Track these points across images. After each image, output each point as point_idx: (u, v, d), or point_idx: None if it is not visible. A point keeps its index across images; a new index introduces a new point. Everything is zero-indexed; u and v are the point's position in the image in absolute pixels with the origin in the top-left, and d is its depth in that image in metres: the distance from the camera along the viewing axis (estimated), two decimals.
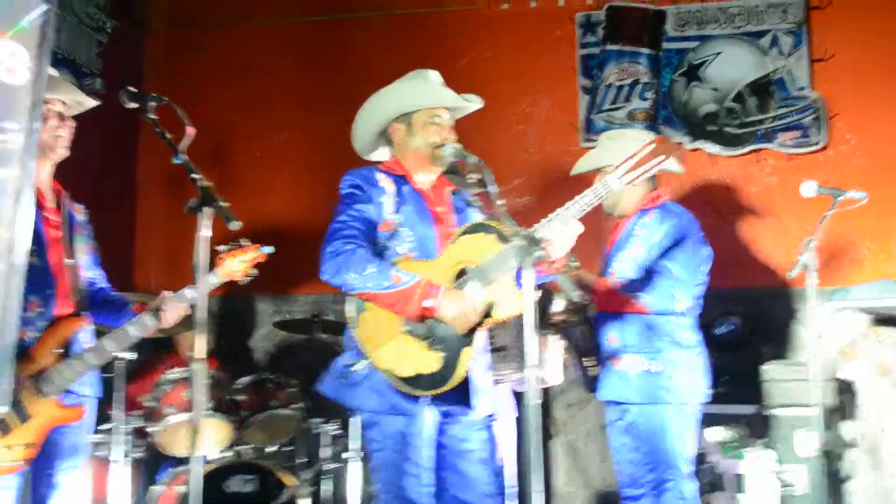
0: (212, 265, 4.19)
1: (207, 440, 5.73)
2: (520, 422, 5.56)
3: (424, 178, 4.19)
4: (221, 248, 3.74)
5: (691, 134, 6.94)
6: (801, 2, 6.78)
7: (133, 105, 3.96)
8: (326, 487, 6.13)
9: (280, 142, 7.13)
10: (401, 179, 4.14)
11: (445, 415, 4.02)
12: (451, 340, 3.86)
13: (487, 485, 4.04)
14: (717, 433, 5.88)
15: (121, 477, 5.42)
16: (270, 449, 5.98)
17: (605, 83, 7.08)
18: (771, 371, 5.82)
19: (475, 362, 3.94)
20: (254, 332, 7.32)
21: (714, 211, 6.76)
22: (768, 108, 6.82)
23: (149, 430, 5.65)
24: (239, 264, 4.31)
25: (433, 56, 7.07)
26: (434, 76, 4.24)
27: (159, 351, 6.72)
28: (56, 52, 6.47)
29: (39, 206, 4.11)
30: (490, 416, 4.14)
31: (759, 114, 6.82)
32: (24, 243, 3.35)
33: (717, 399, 5.83)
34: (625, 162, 3.70)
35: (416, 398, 3.88)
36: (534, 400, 3.33)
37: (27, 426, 3.94)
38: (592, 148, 5.20)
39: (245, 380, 5.93)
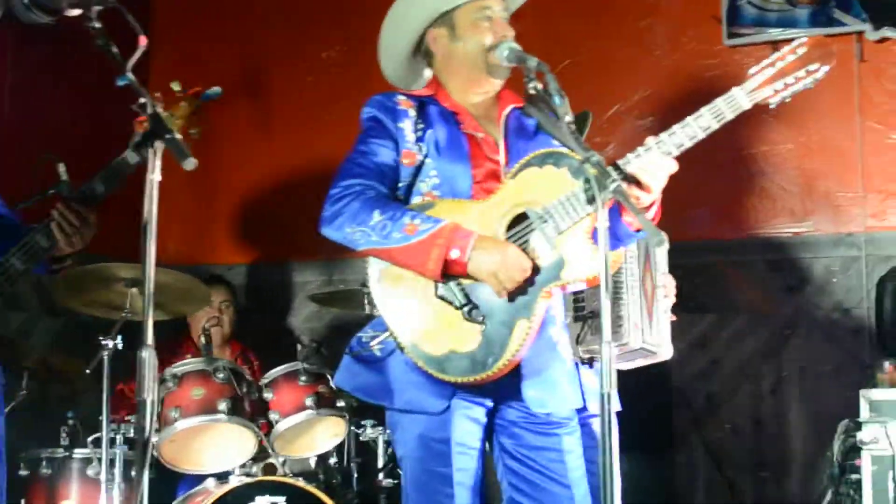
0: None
1: (225, 451, 5.62)
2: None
3: (472, 96, 3.93)
4: (191, 164, 3.33)
5: (876, 19, 6.41)
6: None
7: (75, 12, 3.58)
8: None
9: (333, 61, 6.80)
10: (429, 99, 3.92)
11: (502, 413, 3.80)
12: (500, 309, 3.59)
13: None
14: None
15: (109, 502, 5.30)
16: (308, 462, 5.81)
17: None
18: None
19: (540, 339, 3.67)
20: (294, 309, 7.14)
21: None
22: None
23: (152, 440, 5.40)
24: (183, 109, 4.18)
25: None
26: None
27: (173, 337, 6.66)
28: None
29: None
30: (583, 411, 3.94)
31: None
32: None
33: None
34: (761, 70, 3.53)
35: (446, 390, 3.64)
36: (607, 387, 3.10)
37: None
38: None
39: (274, 372, 5.75)
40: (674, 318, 4.72)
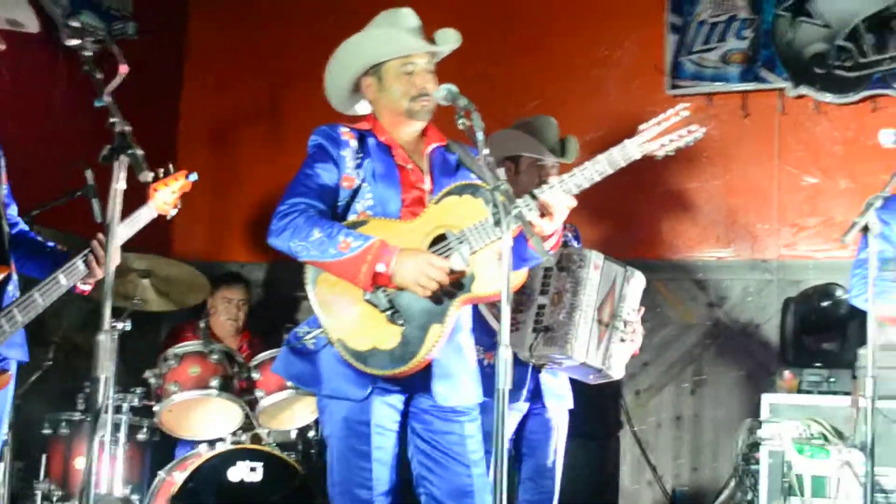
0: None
1: (215, 422, 5.66)
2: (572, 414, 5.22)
3: (402, 132, 3.95)
4: (146, 176, 3.42)
5: (795, 78, 6.44)
6: None
7: (74, 42, 3.61)
8: None
9: None
10: (367, 133, 3.92)
11: (416, 402, 3.82)
12: (418, 315, 3.64)
13: (470, 487, 3.77)
14: (794, 428, 5.45)
15: (112, 460, 5.35)
16: (289, 433, 5.85)
17: (696, 20, 6.66)
18: (863, 357, 5.33)
19: (449, 343, 3.72)
20: (299, 303, 7.05)
21: (821, 170, 6.43)
22: (888, 47, 6.27)
23: (153, 409, 5.55)
24: (169, 195, 4.32)
25: None
26: (405, 17, 3.94)
27: (186, 323, 6.61)
28: None
29: None
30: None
31: (876, 54, 6.29)
32: None
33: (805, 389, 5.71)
34: (649, 128, 3.57)
35: (367, 381, 3.66)
36: (503, 384, 3.10)
37: None
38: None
39: (262, 356, 5.77)
40: (636, 354, 4.85)
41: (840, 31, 6.35)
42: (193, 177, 4.37)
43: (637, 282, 4.82)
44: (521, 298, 4.71)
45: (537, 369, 4.84)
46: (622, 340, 4.73)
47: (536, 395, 4.86)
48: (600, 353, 4.66)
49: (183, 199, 7.07)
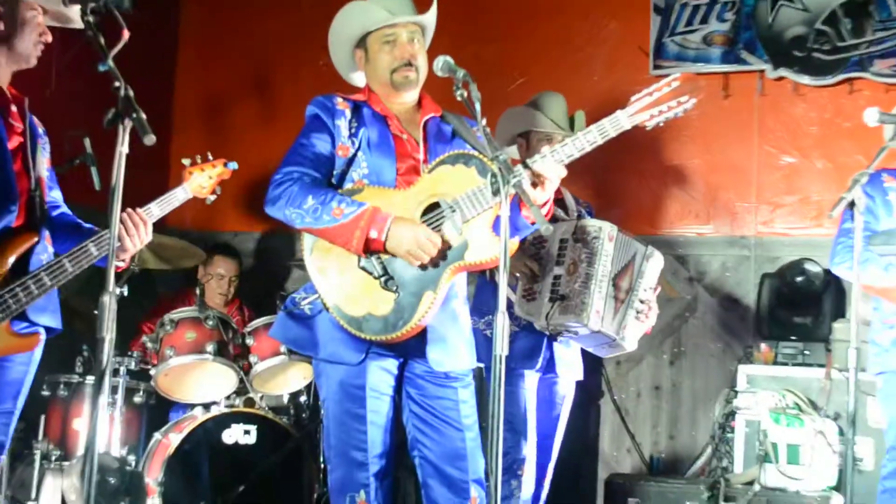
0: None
1: (209, 386, 5.64)
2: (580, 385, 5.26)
3: (395, 103, 3.91)
4: (150, 139, 3.40)
5: (775, 60, 6.37)
6: None
7: (74, 5, 3.62)
8: None
9: (327, 66, 6.90)
10: (363, 103, 3.88)
11: (410, 367, 3.80)
12: (411, 282, 3.62)
13: (462, 446, 3.74)
14: (770, 398, 5.44)
15: (110, 421, 5.31)
16: (282, 398, 5.83)
17: (680, 2, 6.57)
18: (842, 330, 5.31)
19: (443, 310, 3.68)
20: (289, 272, 7.08)
21: (798, 150, 6.37)
22: (864, 31, 6.20)
23: (150, 373, 5.53)
24: (206, 179, 4.29)
25: None
26: None
27: (180, 290, 6.60)
28: None
29: (1, 110, 3.92)
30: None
31: (853, 38, 6.21)
32: None
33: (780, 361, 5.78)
34: (640, 98, 3.60)
35: (362, 345, 3.64)
36: (500, 350, 3.13)
37: None
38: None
39: (256, 322, 5.76)
40: (647, 333, 4.83)
41: (819, 16, 6.26)
42: (233, 165, 4.34)
43: (656, 261, 4.79)
44: (535, 268, 4.68)
45: (552, 339, 4.80)
46: (637, 317, 4.69)
47: (550, 365, 4.84)
48: (615, 322, 4.63)
49: (175, 170, 7.12)
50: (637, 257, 4.72)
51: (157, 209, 4.00)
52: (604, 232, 4.61)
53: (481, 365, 4.54)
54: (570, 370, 4.94)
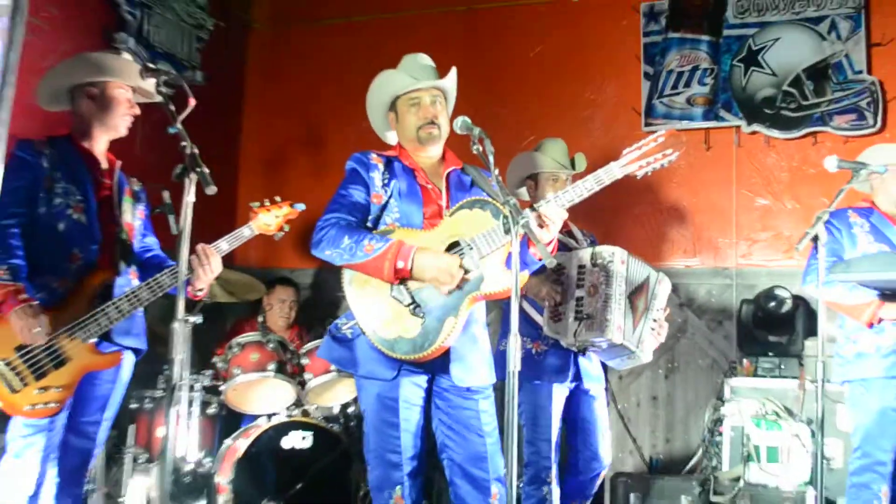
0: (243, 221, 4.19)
1: (271, 399, 5.59)
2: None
3: (422, 157, 3.91)
4: (212, 190, 3.42)
5: (749, 118, 6.36)
6: None
7: (150, 79, 3.65)
8: None
9: (368, 128, 6.99)
10: (394, 158, 3.88)
11: (437, 381, 3.77)
12: (436, 309, 3.62)
13: (483, 450, 3.71)
14: (751, 406, 5.41)
15: (186, 430, 5.30)
16: (332, 409, 5.77)
17: (666, 69, 6.56)
18: (813, 347, 5.27)
19: (464, 333, 3.67)
20: (340, 301, 6.94)
21: (771, 193, 6.35)
22: (825, 91, 6.19)
23: (220, 388, 5.51)
24: (273, 219, 4.24)
25: (510, 45, 6.90)
26: (417, 59, 3.92)
27: (248, 316, 6.57)
28: (156, 46, 6.35)
29: (92, 171, 4.03)
30: (491, 385, 3.86)
31: (815, 97, 6.21)
32: None
33: (760, 374, 5.77)
34: (630, 151, 3.61)
35: (395, 364, 3.62)
36: (512, 367, 3.12)
37: (63, 370, 3.77)
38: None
39: (310, 345, 5.70)
40: (661, 341, 4.74)
41: (785, 79, 6.27)
42: (300, 206, 4.30)
43: (665, 285, 4.75)
44: (558, 293, 4.61)
45: (578, 354, 4.75)
46: (653, 331, 4.65)
47: (577, 377, 4.78)
48: (635, 336, 4.57)
49: (241, 212, 7.14)
50: (651, 279, 4.67)
51: (225, 245, 4.01)
52: (616, 256, 4.56)
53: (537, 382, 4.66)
54: (597, 381, 4.88)
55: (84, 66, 4.03)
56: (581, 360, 4.77)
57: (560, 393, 4.74)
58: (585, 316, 4.52)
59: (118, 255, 4.00)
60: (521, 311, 4.66)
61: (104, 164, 4.09)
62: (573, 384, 4.78)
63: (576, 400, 4.85)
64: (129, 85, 4.07)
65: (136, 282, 4.03)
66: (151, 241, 4.30)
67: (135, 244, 4.14)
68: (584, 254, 4.63)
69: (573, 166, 4.94)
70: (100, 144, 4.09)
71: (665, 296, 4.73)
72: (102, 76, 4.02)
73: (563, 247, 4.78)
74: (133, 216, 4.15)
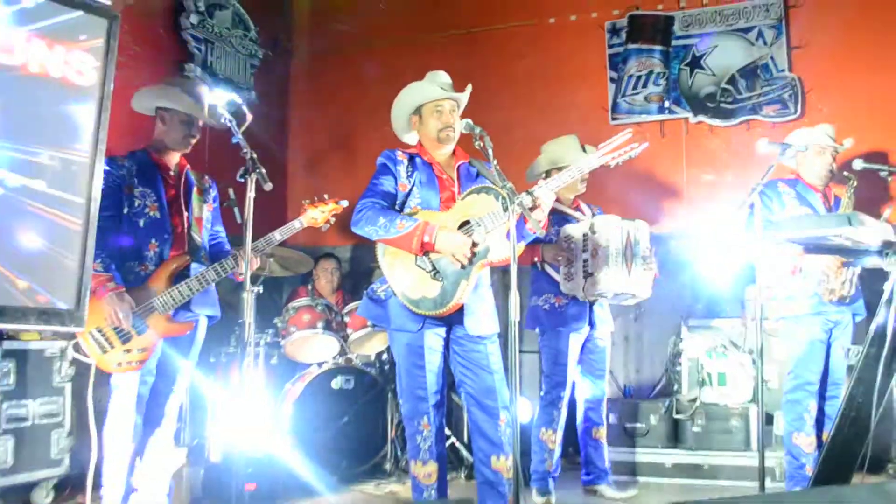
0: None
1: (320, 351, 5.57)
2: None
3: (438, 154, 3.86)
4: (269, 186, 3.43)
5: (694, 110, 6.29)
6: (780, 1, 6.10)
7: (215, 100, 3.85)
8: None
9: (389, 134, 6.98)
10: (416, 155, 3.85)
11: (454, 331, 3.74)
12: (451, 274, 3.60)
13: (492, 384, 3.69)
14: (705, 341, 5.39)
15: (255, 377, 5.28)
16: (370, 357, 5.76)
17: (627, 74, 6.47)
18: (752, 292, 5.24)
19: (474, 293, 3.66)
20: (374, 272, 6.92)
21: (714, 171, 6.27)
22: (755, 87, 6.13)
23: (280, 343, 5.51)
24: (319, 213, 4.19)
25: (501, 60, 6.78)
26: (439, 76, 3.88)
27: (300, 284, 6.54)
28: (218, 74, 6.31)
29: (163, 176, 4.04)
30: (497, 333, 3.81)
31: (748, 92, 6.13)
32: (96, 205, 3.05)
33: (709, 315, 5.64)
34: (606, 145, 3.61)
35: (420, 318, 3.61)
36: (513, 317, 3.06)
37: (143, 336, 3.82)
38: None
39: (351, 306, 5.70)
40: (656, 276, 4.79)
41: (723, 78, 6.20)
42: (344, 202, 4.23)
43: (643, 230, 4.75)
44: (570, 256, 4.63)
45: (591, 304, 4.74)
46: (645, 270, 4.66)
47: (592, 323, 4.78)
48: (631, 281, 4.59)
49: (290, 205, 7.10)
50: (631, 232, 4.66)
51: (278, 235, 4.03)
52: (607, 222, 4.59)
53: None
54: (605, 324, 4.88)
55: (160, 94, 4.04)
56: (595, 308, 4.77)
57: (576, 340, 4.73)
58: (590, 274, 4.53)
59: (187, 244, 4.00)
60: (544, 272, 4.74)
61: (173, 170, 4.08)
62: (590, 329, 4.79)
63: (588, 344, 4.86)
64: (191, 114, 4.05)
65: (202, 265, 4.03)
66: (219, 229, 4.29)
67: (203, 234, 4.12)
68: (586, 224, 4.63)
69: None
70: (169, 155, 4.09)
71: (645, 238, 4.73)
72: (171, 104, 4.02)
73: (572, 220, 4.77)
74: (201, 210, 4.13)
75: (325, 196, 4.26)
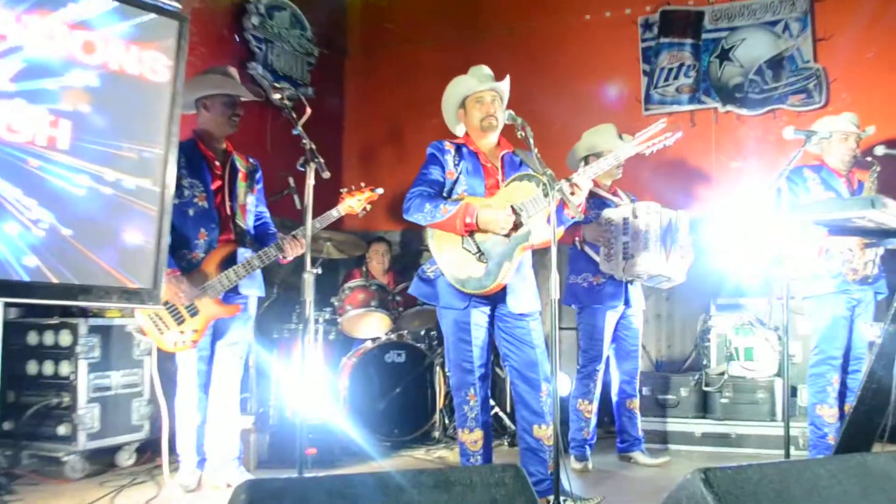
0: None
1: (374, 327, 5.58)
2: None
3: (484, 143, 3.83)
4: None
5: (723, 101, 6.18)
6: None
7: (277, 96, 3.79)
8: None
9: (437, 125, 6.95)
10: (463, 145, 3.82)
11: (498, 309, 3.72)
12: (496, 256, 3.59)
13: (535, 358, 3.67)
14: (733, 318, 5.34)
15: (315, 351, 5.31)
16: (419, 332, 5.75)
17: (659, 67, 6.38)
18: (776, 272, 5.19)
19: (517, 274, 3.64)
20: (423, 255, 6.95)
21: (742, 158, 6.14)
22: (781, 78, 5.99)
23: (338, 320, 5.55)
24: (356, 202, 4.13)
25: (546, 56, 6.75)
26: (481, 69, 3.86)
27: (354, 266, 6.51)
28: (277, 71, 6.36)
29: (209, 165, 4.03)
30: (538, 311, 3.77)
31: (774, 83, 6.01)
32: (170, 192, 3.10)
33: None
34: (641, 134, 3.55)
35: (466, 297, 3.60)
36: (554, 294, 3.09)
37: (195, 318, 3.87)
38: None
39: (402, 286, 5.73)
40: (691, 261, 4.74)
41: (751, 70, 6.07)
42: (379, 190, 4.19)
43: (684, 221, 4.71)
44: (609, 238, 4.58)
45: (628, 284, 4.71)
46: (681, 257, 4.62)
47: (627, 301, 4.74)
48: (668, 265, 4.55)
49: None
50: (673, 220, 4.62)
51: (318, 223, 3.97)
52: (650, 208, 4.55)
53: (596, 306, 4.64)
54: (638, 303, 4.83)
55: (198, 85, 4.03)
56: (630, 288, 4.73)
57: (612, 317, 4.71)
58: (630, 255, 4.51)
59: (233, 231, 4.03)
60: (584, 252, 4.69)
61: (219, 159, 4.07)
62: (625, 307, 4.75)
63: (622, 322, 4.82)
64: (230, 94, 4.04)
65: (249, 253, 4.04)
66: (263, 209, 4.29)
67: (248, 219, 4.13)
68: (627, 209, 4.59)
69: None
70: (215, 142, 4.07)
71: (685, 228, 4.68)
72: (211, 90, 4.02)
73: (610, 203, 4.74)
74: (245, 196, 4.12)
75: (362, 184, 4.24)
